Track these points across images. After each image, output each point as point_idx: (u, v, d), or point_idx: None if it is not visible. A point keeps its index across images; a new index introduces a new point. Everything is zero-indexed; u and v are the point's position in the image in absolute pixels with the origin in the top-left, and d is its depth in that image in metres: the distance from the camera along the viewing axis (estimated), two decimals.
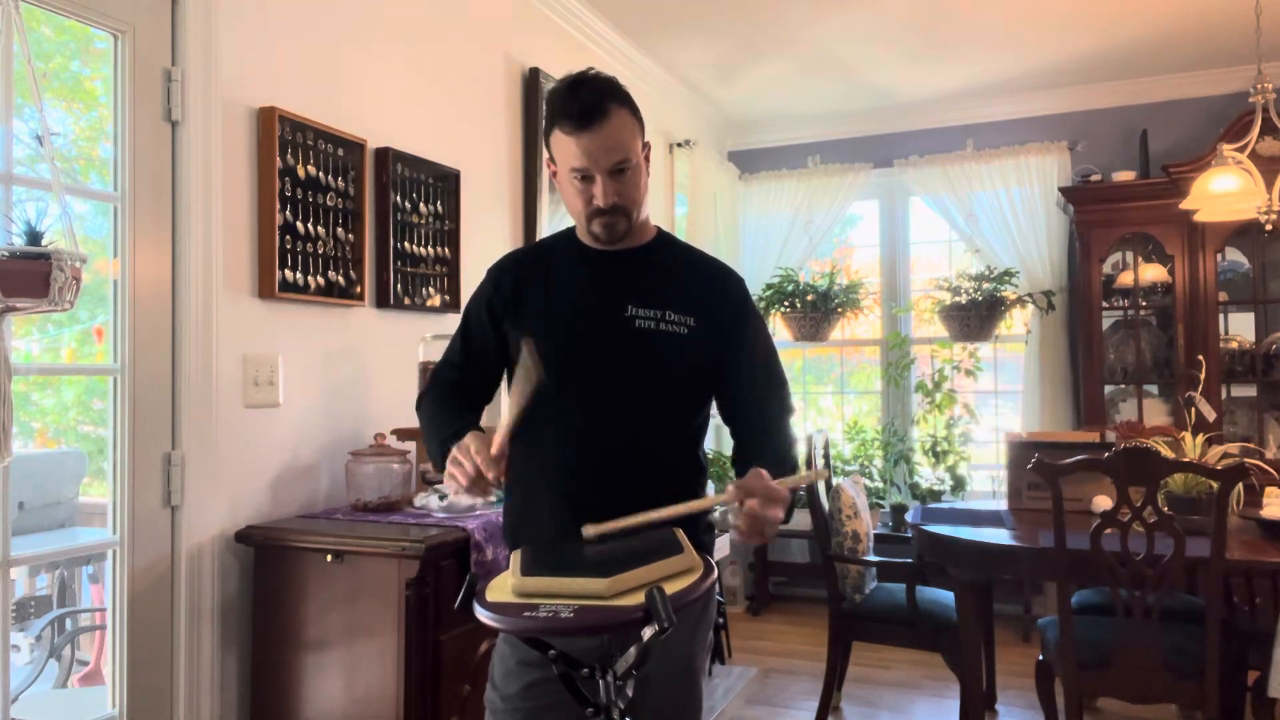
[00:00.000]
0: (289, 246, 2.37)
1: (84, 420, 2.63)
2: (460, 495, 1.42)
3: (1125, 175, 4.46)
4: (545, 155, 1.59)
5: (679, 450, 1.59)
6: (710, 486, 1.68)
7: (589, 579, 1.18)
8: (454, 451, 1.41)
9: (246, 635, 2.26)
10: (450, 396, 1.64)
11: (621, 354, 1.53)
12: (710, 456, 1.76)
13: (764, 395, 1.61)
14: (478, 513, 2.28)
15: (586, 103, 1.44)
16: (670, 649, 1.47)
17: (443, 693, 2.09)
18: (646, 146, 1.56)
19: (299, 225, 2.41)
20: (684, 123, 4.87)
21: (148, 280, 2.10)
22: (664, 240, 1.66)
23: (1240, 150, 3.25)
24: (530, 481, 1.58)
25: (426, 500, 2.37)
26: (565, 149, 1.48)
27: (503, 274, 1.65)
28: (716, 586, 1.55)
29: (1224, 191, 3.14)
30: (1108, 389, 4.53)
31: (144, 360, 2.09)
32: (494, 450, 1.37)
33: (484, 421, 1.80)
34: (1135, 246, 4.53)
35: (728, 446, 4.85)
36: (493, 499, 2.36)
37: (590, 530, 1.30)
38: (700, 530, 1.58)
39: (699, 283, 1.61)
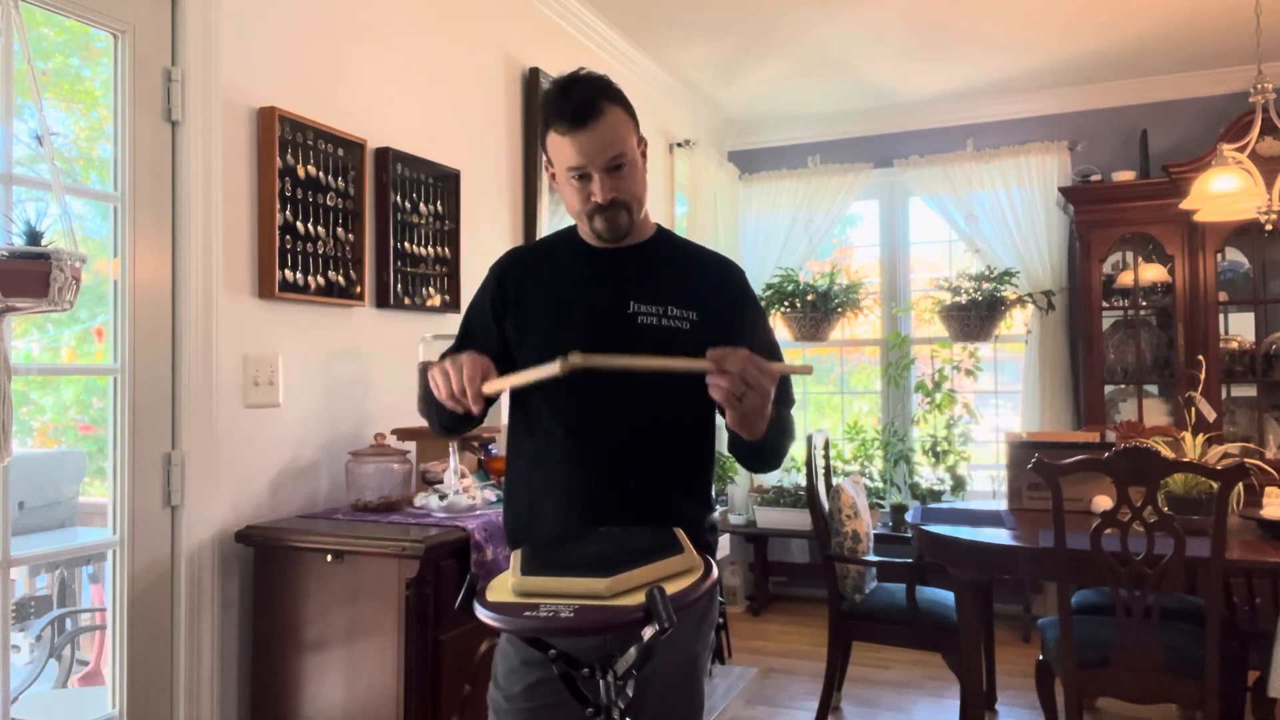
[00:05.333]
0: (289, 246, 2.37)
1: (84, 420, 2.63)
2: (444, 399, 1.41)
3: (1125, 175, 4.46)
4: (544, 159, 1.58)
5: (684, 446, 1.58)
6: (712, 488, 1.68)
7: (589, 579, 1.17)
8: (446, 361, 1.42)
9: (246, 635, 2.26)
10: None
11: (625, 350, 1.52)
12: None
13: None
14: (478, 513, 2.28)
15: (578, 102, 1.45)
16: (673, 649, 1.47)
17: (443, 693, 2.09)
18: (643, 143, 1.56)
19: (299, 225, 2.41)
20: (684, 123, 4.87)
21: (148, 280, 2.10)
22: (664, 236, 1.67)
23: (1240, 150, 3.25)
24: (534, 480, 1.58)
25: (426, 500, 2.37)
26: (561, 149, 1.49)
27: (505, 272, 1.65)
28: (719, 586, 1.55)
29: (1224, 191, 3.14)
30: (1108, 389, 4.53)
31: (144, 360, 2.09)
32: (485, 388, 1.37)
33: (484, 428, 1.81)
34: (1135, 246, 4.53)
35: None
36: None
37: (575, 358, 1.26)
38: (704, 530, 1.58)
39: (700, 277, 1.61)
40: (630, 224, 1.54)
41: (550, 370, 1.28)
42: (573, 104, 1.45)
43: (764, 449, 1.49)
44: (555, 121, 1.48)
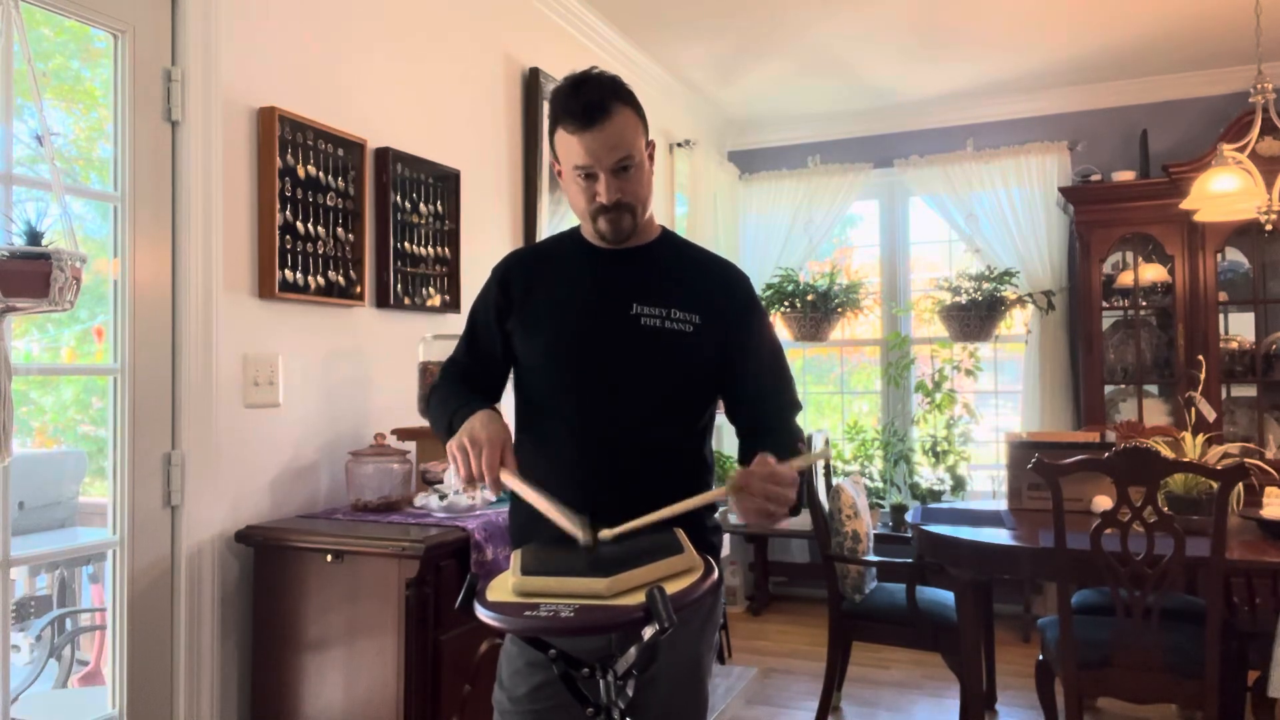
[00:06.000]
0: (289, 246, 2.37)
1: (84, 420, 2.63)
2: (457, 483, 1.42)
3: (1125, 175, 4.46)
4: (550, 156, 1.59)
5: (687, 448, 1.58)
6: (713, 487, 1.67)
7: (589, 579, 1.17)
8: (464, 438, 1.41)
9: (246, 635, 2.26)
10: (460, 385, 1.63)
11: (628, 352, 1.53)
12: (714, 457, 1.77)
13: (770, 392, 1.61)
14: (478, 513, 2.28)
15: (588, 101, 1.45)
16: (677, 650, 1.47)
17: (443, 693, 2.09)
18: (651, 145, 1.56)
19: (299, 225, 2.41)
20: (684, 123, 4.87)
21: (148, 280, 2.10)
22: (668, 239, 1.67)
23: (1240, 150, 3.25)
24: (537, 478, 1.58)
25: (426, 500, 2.37)
26: (568, 148, 1.48)
27: (507, 273, 1.65)
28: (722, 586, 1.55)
29: (1224, 191, 3.14)
30: (1108, 389, 4.53)
31: (144, 360, 2.09)
32: (502, 477, 1.38)
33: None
34: (1135, 246, 4.53)
35: (729, 446, 4.86)
36: (491, 497, 2.36)
37: (606, 534, 1.29)
38: (707, 531, 1.58)
39: (704, 280, 1.61)
40: (634, 226, 1.54)
41: (573, 530, 1.29)
42: (582, 103, 1.45)
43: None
44: (564, 119, 1.47)
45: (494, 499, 2.35)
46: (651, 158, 1.57)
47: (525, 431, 1.63)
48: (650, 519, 1.31)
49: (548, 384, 1.58)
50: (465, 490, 1.44)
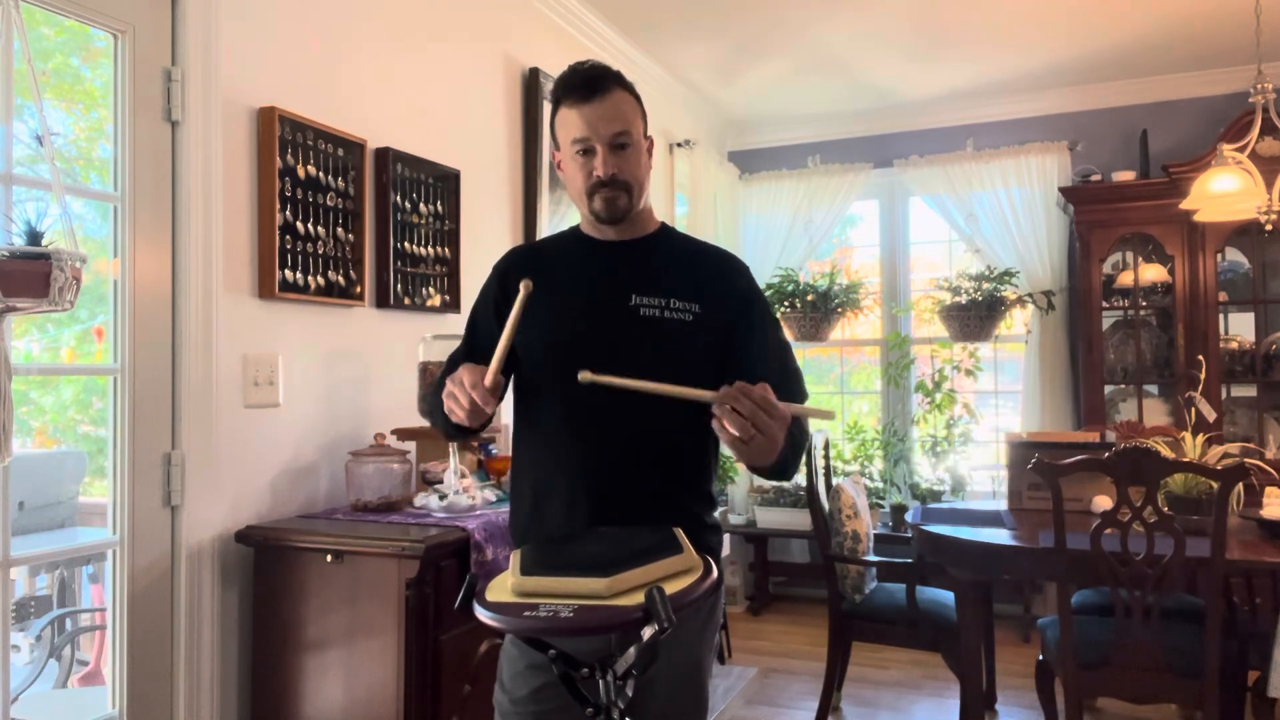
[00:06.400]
0: (289, 246, 2.37)
1: (84, 420, 2.63)
2: (460, 418, 1.43)
3: (1125, 175, 4.46)
4: (550, 148, 1.61)
5: (688, 439, 1.58)
6: (714, 484, 1.67)
7: (588, 579, 1.17)
8: (448, 383, 1.42)
9: (246, 635, 2.26)
10: None
11: (627, 342, 1.53)
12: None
13: (773, 385, 1.60)
14: (478, 513, 2.28)
15: (589, 77, 1.51)
16: (678, 649, 1.47)
17: (443, 693, 2.09)
18: (649, 139, 1.59)
19: (299, 225, 2.41)
20: (684, 123, 4.87)
21: (148, 280, 2.10)
22: (667, 232, 1.68)
23: (1240, 150, 3.25)
24: (539, 475, 1.58)
25: (426, 500, 2.37)
26: (568, 123, 1.52)
27: (508, 270, 1.65)
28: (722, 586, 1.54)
29: (1224, 191, 3.14)
30: (1108, 389, 4.53)
31: (144, 360, 2.09)
32: (487, 381, 1.37)
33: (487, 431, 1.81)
34: (1135, 246, 4.53)
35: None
36: (491, 498, 2.37)
37: (585, 375, 1.30)
38: (707, 531, 1.58)
39: (702, 271, 1.61)
40: (629, 207, 1.55)
41: (521, 297, 1.34)
42: (583, 77, 1.51)
43: (769, 470, 1.46)
44: (565, 97, 1.52)
45: (494, 450, 2.34)
46: (650, 152, 1.59)
47: (526, 426, 1.63)
48: (634, 384, 1.31)
49: (548, 377, 1.58)
50: (474, 421, 1.43)
